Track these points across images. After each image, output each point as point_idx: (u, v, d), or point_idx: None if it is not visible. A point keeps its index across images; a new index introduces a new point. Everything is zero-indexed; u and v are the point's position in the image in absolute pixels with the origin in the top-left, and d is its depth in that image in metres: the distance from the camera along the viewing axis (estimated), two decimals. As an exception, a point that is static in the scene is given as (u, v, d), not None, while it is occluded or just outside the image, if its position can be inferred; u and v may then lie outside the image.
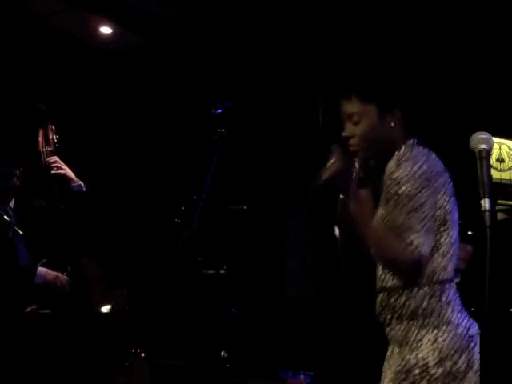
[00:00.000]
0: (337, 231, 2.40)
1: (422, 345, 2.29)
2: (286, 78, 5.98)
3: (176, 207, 3.85)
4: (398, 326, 2.35)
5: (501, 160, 6.41)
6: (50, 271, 3.82)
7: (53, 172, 3.92)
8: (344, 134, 2.41)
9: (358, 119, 2.36)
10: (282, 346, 5.26)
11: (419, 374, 2.27)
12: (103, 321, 4.06)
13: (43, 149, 3.98)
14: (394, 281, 2.33)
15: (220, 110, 3.77)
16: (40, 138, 4.00)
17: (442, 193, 2.28)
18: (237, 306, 4.25)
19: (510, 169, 6.48)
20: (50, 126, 4.01)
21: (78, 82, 5.78)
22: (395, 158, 2.30)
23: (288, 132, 6.14)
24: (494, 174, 6.22)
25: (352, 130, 2.38)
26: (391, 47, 5.49)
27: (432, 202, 2.25)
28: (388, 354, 2.43)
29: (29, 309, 3.73)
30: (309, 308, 5.51)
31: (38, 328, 3.68)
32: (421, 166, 2.24)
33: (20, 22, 5.41)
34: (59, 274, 3.83)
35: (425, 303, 2.30)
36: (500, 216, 5.56)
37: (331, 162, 2.36)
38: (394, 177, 2.26)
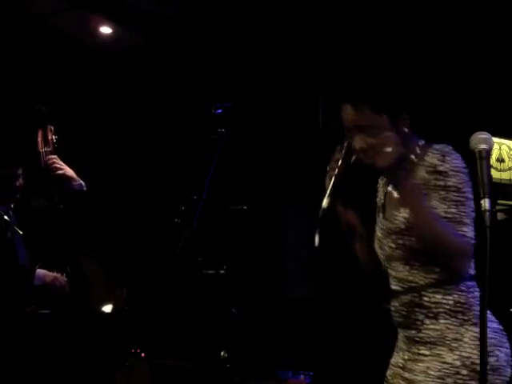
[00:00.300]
0: (317, 239, 2.37)
1: (463, 343, 2.25)
2: (286, 77, 5.98)
3: (176, 207, 3.85)
4: (432, 326, 2.29)
5: (501, 160, 6.41)
6: (48, 272, 3.81)
7: (52, 173, 3.92)
8: (358, 146, 2.34)
9: (373, 131, 2.30)
10: (282, 346, 5.26)
11: (467, 374, 2.22)
12: (103, 321, 4.06)
13: (42, 149, 3.98)
14: (427, 279, 2.29)
15: (220, 110, 3.76)
16: (39, 139, 4.00)
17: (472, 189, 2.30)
18: (237, 306, 4.25)
19: (509, 169, 6.48)
20: (49, 127, 4.01)
21: (78, 82, 5.78)
22: (435, 152, 2.27)
23: (288, 132, 6.14)
24: (494, 174, 6.22)
25: (366, 142, 2.32)
26: (391, 48, 5.49)
27: (472, 197, 2.26)
28: (408, 357, 2.36)
29: (28, 309, 3.72)
30: (309, 308, 5.51)
31: (38, 328, 3.67)
32: (462, 161, 2.25)
33: (20, 22, 5.41)
34: (58, 275, 3.82)
35: (463, 299, 2.27)
36: (500, 216, 5.56)
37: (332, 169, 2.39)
38: (440, 170, 2.24)
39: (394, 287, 2.38)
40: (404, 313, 2.33)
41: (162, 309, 4.54)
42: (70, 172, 3.98)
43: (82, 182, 4.00)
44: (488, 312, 2.26)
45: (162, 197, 5.63)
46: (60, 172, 3.94)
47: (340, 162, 2.41)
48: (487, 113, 5.69)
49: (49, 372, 3.65)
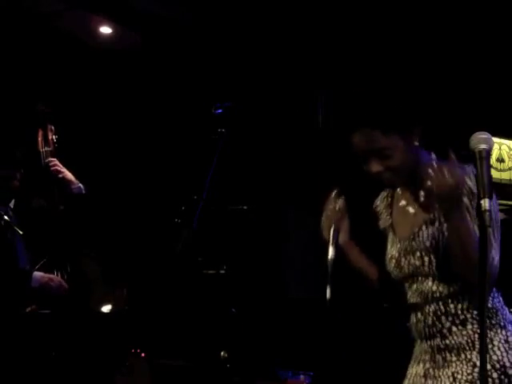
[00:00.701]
0: (328, 293, 2.35)
1: (493, 346, 2.24)
2: (286, 77, 5.98)
3: (176, 207, 3.85)
4: (459, 332, 2.28)
5: (501, 160, 6.41)
6: (44, 274, 3.79)
7: (52, 176, 3.92)
8: (374, 170, 2.32)
9: (387, 153, 2.29)
10: (282, 346, 5.26)
11: (498, 377, 2.21)
12: (103, 321, 4.06)
13: (42, 149, 3.98)
14: (452, 287, 2.28)
15: (220, 110, 3.76)
16: (39, 139, 4.00)
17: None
18: (237, 306, 4.25)
19: (509, 169, 6.49)
20: (49, 126, 4.01)
21: (78, 82, 5.77)
22: (471, 173, 2.22)
23: (288, 132, 6.14)
24: (494, 174, 6.22)
25: (381, 165, 2.31)
26: (391, 50, 5.50)
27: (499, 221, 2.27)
28: (425, 365, 2.35)
29: (28, 309, 3.72)
30: (309, 308, 5.51)
31: (38, 328, 3.67)
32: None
33: (19, 21, 5.41)
34: (53, 276, 3.81)
35: (489, 303, 2.27)
36: (500, 216, 5.55)
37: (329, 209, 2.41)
38: (475, 191, 2.17)
39: (414, 300, 2.37)
40: (430, 322, 2.32)
41: (161, 309, 4.54)
42: (69, 176, 3.98)
43: (80, 185, 4.00)
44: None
45: (162, 197, 5.64)
46: (60, 176, 3.94)
47: (337, 209, 2.42)
48: (487, 113, 5.69)
49: (49, 372, 3.64)
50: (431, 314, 2.32)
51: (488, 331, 2.26)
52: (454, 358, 2.29)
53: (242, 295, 4.53)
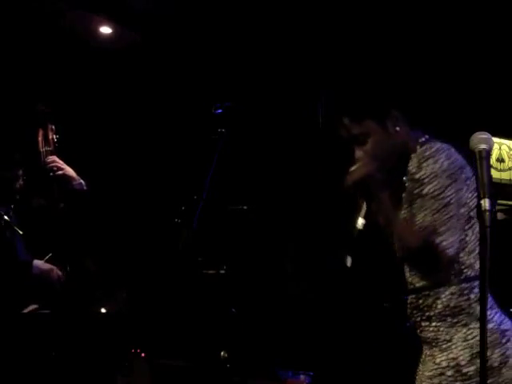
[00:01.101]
0: (349, 261, 2.35)
1: (452, 344, 2.25)
2: (287, 77, 5.98)
3: (176, 207, 3.85)
4: (427, 328, 2.31)
5: (501, 160, 6.42)
6: (44, 263, 3.80)
7: (53, 173, 3.91)
8: (356, 156, 2.34)
9: (363, 139, 2.31)
10: (282, 346, 5.26)
11: (452, 375, 2.23)
12: (103, 321, 4.06)
13: (43, 149, 3.98)
14: (422, 282, 2.31)
15: (220, 110, 3.76)
16: (40, 138, 3.99)
17: (464, 189, 2.24)
18: (237, 306, 4.25)
19: (509, 169, 6.49)
20: (49, 126, 4.01)
21: (78, 82, 5.77)
22: (415, 159, 2.26)
23: (288, 132, 6.14)
24: (494, 174, 6.23)
25: (361, 151, 2.33)
26: (392, 50, 5.49)
27: (456, 200, 2.21)
28: (422, 358, 2.39)
29: (29, 308, 3.72)
30: (309, 308, 5.51)
31: (38, 328, 3.67)
32: (442, 164, 2.20)
33: (19, 21, 5.41)
34: (54, 267, 3.81)
35: (453, 303, 2.27)
36: (500, 216, 5.56)
37: (355, 167, 2.33)
38: (416, 178, 2.23)
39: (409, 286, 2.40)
40: (408, 314, 2.37)
41: (161, 309, 4.54)
42: (70, 171, 3.97)
43: (82, 181, 3.99)
44: (493, 312, 2.28)
45: (162, 197, 5.63)
46: (60, 172, 3.93)
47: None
48: (487, 113, 5.69)
49: (49, 372, 3.64)
50: (408, 305, 2.36)
51: (450, 329, 2.26)
52: (428, 353, 2.33)
53: (242, 295, 4.53)
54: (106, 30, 5.79)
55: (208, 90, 5.67)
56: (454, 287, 2.26)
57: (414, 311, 2.33)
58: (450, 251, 2.18)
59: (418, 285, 2.32)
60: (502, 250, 2.25)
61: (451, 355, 2.24)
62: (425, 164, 2.21)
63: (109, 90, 5.96)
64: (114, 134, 5.98)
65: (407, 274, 2.36)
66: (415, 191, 2.23)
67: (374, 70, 2.81)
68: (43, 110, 4.03)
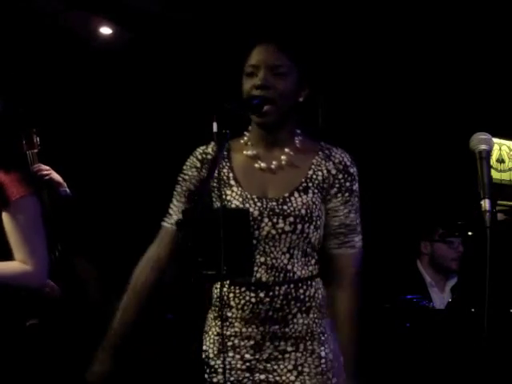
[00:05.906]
0: None
1: (328, 336, 2.23)
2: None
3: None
4: (301, 320, 2.20)
5: (501, 161, 6.41)
6: None
7: (40, 179, 3.91)
8: (260, 82, 2.28)
9: (285, 73, 2.30)
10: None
11: (338, 366, 2.22)
12: (100, 322, 4.05)
13: (28, 151, 3.98)
14: (304, 271, 2.21)
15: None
16: (24, 142, 3.98)
17: None
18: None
19: (510, 169, 6.48)
20: (32, 129, 3.99)
21: (78, 82, 5.77)
22: (343, 153, 2.33)
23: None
24: (494, 174, 6.22)
25: (272, 82, 2.28)
26: (391, 50, 5.49)
27: None
28: (246, 356, 2.24)
29: (29, 323, 3.69)
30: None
31: (35, 336, 3.64)
32: None
33: (18, 21, 5.41)
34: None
35: (324, 294, 2.26)
36: (500, 217, 5.55)
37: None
38: (350, 171, 2.27)
39: (258, 276, 2.22)
40: (277, 305, 2.19)
41: (161, 309, 4.54)
42: (56, 177, 3.97)
43: (66, 188, 3.99)
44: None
45: (161, 196, 5.62)
46: (47, 178, 3.93)
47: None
48: (487, 113, 5.69)
49: (48, 372, 3.64)
50: (281, 297, 2.19)
51: (322, 320, 2.24)
52: (291, 349, 2.19)
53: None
54: (106, 30, 5.79)
55: (208, 90, 5.66)
56: (318, 279, 2.29)
57: (291, 302, 2.22)
58: (361, 252, 2.35)
59: (298, 274, 2.26)
60: (502, 251, 2.24)
61: (332, 346, 2.25)
62: (354, 163, 2.36)
63: (107, 90, 5.95)
64: (114, 134, 5.98)
65: (283, 262, 2.25)
66: (346, 184, 2.30)
67: (370, 67, 2.82)
68: (23, 114, 4.01)
